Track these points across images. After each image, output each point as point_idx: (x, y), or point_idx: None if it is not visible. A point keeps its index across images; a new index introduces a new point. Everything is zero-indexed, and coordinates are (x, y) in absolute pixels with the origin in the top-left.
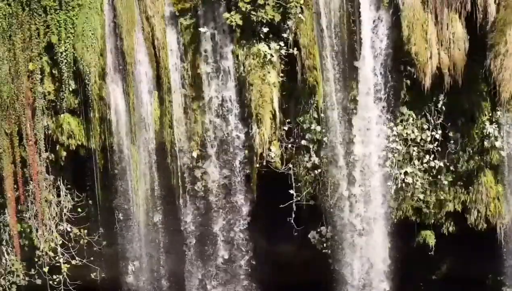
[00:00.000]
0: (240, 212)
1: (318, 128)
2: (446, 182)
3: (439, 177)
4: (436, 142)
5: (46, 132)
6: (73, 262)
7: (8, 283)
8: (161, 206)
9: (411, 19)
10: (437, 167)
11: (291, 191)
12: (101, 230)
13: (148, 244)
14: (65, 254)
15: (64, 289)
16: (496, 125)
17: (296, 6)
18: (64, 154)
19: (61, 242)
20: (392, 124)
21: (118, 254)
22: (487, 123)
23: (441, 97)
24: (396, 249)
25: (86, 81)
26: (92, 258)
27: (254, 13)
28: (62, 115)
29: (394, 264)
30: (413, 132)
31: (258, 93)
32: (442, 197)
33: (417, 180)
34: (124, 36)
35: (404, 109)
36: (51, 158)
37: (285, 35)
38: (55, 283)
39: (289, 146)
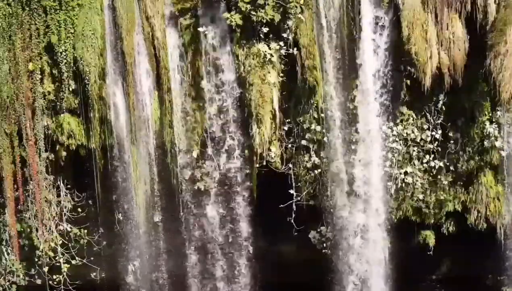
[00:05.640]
0: (240, 212)
1: (318, 128)
2: (446, 182)
3: (439, 177)
4: (436, 142)
5: (46, 132)
6: (73, 262)
7: (8, 283)
8: (161, 206)
9: (411, 19)
10: (437, 167)
11: (291, 191)
12: (101, 230)
13: (148, 244)
14: (65, 254)
15: (64, 289)
16: (496, 125)
17: (296, 6)
18: (64, 153)
19: (61, 242)
20: (392, 124)
21: (118, 254)
22: (487, 123)
23: (441, 97)
24: (396, 249)
25: (86, 81)
26: (92, 258)
27: (254, 13)
28: (62, 115)
29: (394, 264)
30: (413, 132)
31: (258, 93)
32: (442, 197)
33: (417, 180)
34: (124, 36)
35: (404, 109)
36: (51, 158)
37: (285, 35)
38: (55, 283)
39: (289, 145)
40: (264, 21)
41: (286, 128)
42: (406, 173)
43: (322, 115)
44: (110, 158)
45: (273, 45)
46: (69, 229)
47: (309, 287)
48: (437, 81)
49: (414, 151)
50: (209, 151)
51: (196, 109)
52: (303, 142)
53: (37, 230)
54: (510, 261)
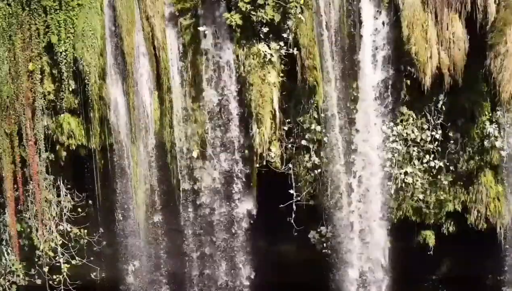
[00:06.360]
0: (240, 212)
1: (318, 128)
2: (446, 182)
3: (439, 177)
4: (436, 142)
5: (46, 132)
6: (73, 262)
7: (8, 283)
8: (161, 206)
9: (411, 19)
10: (437, 167)
11: (291, 191)
12: (101, 230)
13: (148, 244)
14: (65, 254)
15: (64, 289)
16: (496, 125)
17: (296, 6)
18: (64, 154)
19: (61, 242)
20: (392, 124)
21: (118, 254)
22: (487, 123)
23: (441, 97)
24: (396, 249)
25: (86, 81)
26: (92, 258)
27: (254, 13)
28: (62, 115)
29: (394, 264)
30: (413, 132)
31: (258, 93)
32: (442, 197)
33: (417, 180)
34: (124, 36)
35: (404, 109)
36: (51, 158)
37: (285, 35)
38: (55, 283)
39: (289, 145)
40: (264, 21)
41: (286, 128)
42: (406, 173)
43: (322, 115)
44: (110, 158)
45: (273, 45)
46: (69, 229)
47: (309, 287)
48: (437, 81)
49: (414, 151)
50: (209, 150)
51: (196, 109)
52: (303, 142)
53: (37, 230)
54: (510, 261)
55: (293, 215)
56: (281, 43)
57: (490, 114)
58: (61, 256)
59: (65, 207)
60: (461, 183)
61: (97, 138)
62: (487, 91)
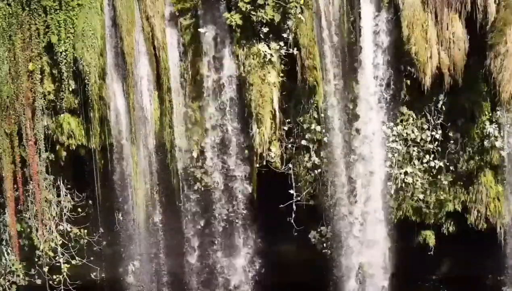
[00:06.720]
0: (240, 212)
1: (318, 128)
2: (446, 182)
3: (439, 177)
4: (436, 142)
5: (46, 132)
6: (73, 262)
7: (8, 283)
8: (161, 206)
9: (411, 19)
10: (437, 167)
11: (291, 191)
12: (101, 230)
13: (148, 244)
14: (65, 254)
15: (64, 289)
16: (496, 125)
17: (296, 6)
18: (64, 153)
19: (61, 242)
20: (392, 124)
21: (118, 254)
22: (487, 123)
23: (441, 97)
24: (396, 249)
25: (86, 81)
26: (92, 258)
27: (254, 13)
28: (62, 115)
29: (394, 264)
30: (413, 132)
31: (258, 93)
32: (442, 197)
33: (417, 180)
34: (124, 36)
35: (404, 109)
36: (51, 158)
37: (285, 35)
38: (55, 283)
39: (289, 145)
40: (264, 21)
41: (286, 128)
42: (406, 173)
43: (322, 115)
44: (110, 158)
45: (273, 45)
46: (69, 229)
47: (309, 287)
48: (437, 81)
49: (414, 151)
50: (209, 150)
51: (196, 109)
52: (303, 142)
53: (37, 230)
54: (510, 261)
55: (293, 215)
56: (281, 43)
57: (490, 114)
58: (61, 256)
59: (65, 207)
60: (461, 183)
61: (97, 138)
62: (487, 91)
